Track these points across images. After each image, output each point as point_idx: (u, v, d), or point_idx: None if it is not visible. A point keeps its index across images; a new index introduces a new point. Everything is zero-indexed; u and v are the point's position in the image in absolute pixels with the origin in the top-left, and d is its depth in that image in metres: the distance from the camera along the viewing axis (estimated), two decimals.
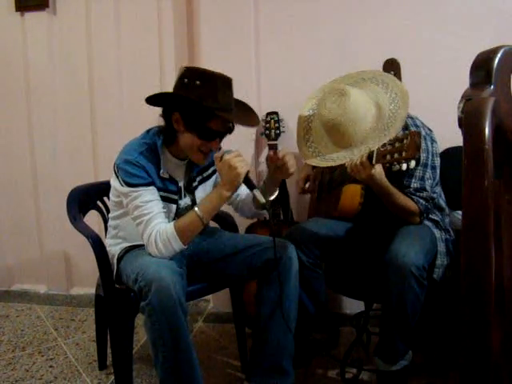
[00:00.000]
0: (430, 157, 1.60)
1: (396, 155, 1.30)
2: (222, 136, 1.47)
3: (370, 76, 1.56)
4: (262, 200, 1.38)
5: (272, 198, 1.55)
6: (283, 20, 2.21)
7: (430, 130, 1.66)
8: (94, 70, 2.43)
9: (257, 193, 1.39)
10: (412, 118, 1.65)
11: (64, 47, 2.44)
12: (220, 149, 1.47)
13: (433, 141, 1.63)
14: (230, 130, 1.48)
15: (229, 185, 1.40)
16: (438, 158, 1.63)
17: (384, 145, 1.34)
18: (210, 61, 2.23)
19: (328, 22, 2.17)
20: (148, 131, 1.54)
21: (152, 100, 1.44)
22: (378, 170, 1.44)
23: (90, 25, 2.40)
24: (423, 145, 1.56)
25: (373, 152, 1.37)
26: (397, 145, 1.30)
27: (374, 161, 1.37)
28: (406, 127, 1.62)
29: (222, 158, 1.39)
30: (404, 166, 1.30)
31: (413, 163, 1.30)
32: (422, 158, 1.58)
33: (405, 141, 1.28)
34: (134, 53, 2.37)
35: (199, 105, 1.36)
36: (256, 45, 2.25)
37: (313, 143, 1.57)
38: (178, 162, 1.55)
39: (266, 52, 2.25)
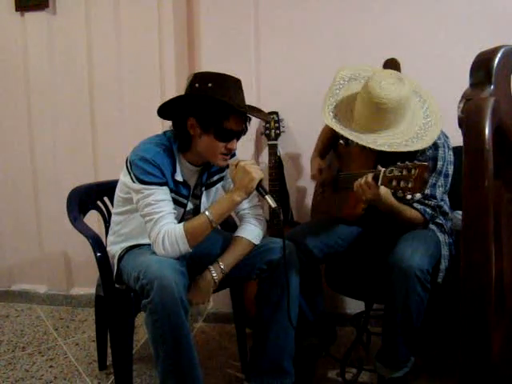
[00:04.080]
0: (445, 165, 1.57)
1: (402, 183, 1.27)
2: (238, 136, 1.48)
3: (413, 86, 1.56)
4: (274, 205, 1.40)
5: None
6: (283, 20, 2.21)
7: (446, 136, 1.61)
8: (93, 70, 2.43)
9: (269, 198, 1.41)
10: None
11: (64, 47, 2.44)
12: (234, 155, 1.54)
13: (449, 148, 1.58)
14: (245, 130, 1.49)
15: (242, 189, 1.41)
16: (452, 166, 1.59)
17: (391, 170, 1.31)
18: (210, 61, 2.23)
19: (328, 22, 2.17)
20: (164, 133, 1.53)
21: (165, 109, 1.46)
22: (384, 190, 1.41)
23: (90, 25, 2.39)
24: (440, 152, 1.55)
25: (379, 173, 1.36)
26: (404, 173, 1.27)
27: (379, 182, 1.36)
28: None
29: (237, 164, 1.43)
30: (409, 197, 1.28)
31: (418, 195, 1.28)
32: (438, 165, 1.56)
33: (412, 171, 1.25)
34: (134, 53, 2.37)
35: (214, 103, 1.38)
36: (256, 45, 2.24)
37: (335, 108, 1.58)
38: (193, 168, 1.55)
39: (266, 52, 2.25)
